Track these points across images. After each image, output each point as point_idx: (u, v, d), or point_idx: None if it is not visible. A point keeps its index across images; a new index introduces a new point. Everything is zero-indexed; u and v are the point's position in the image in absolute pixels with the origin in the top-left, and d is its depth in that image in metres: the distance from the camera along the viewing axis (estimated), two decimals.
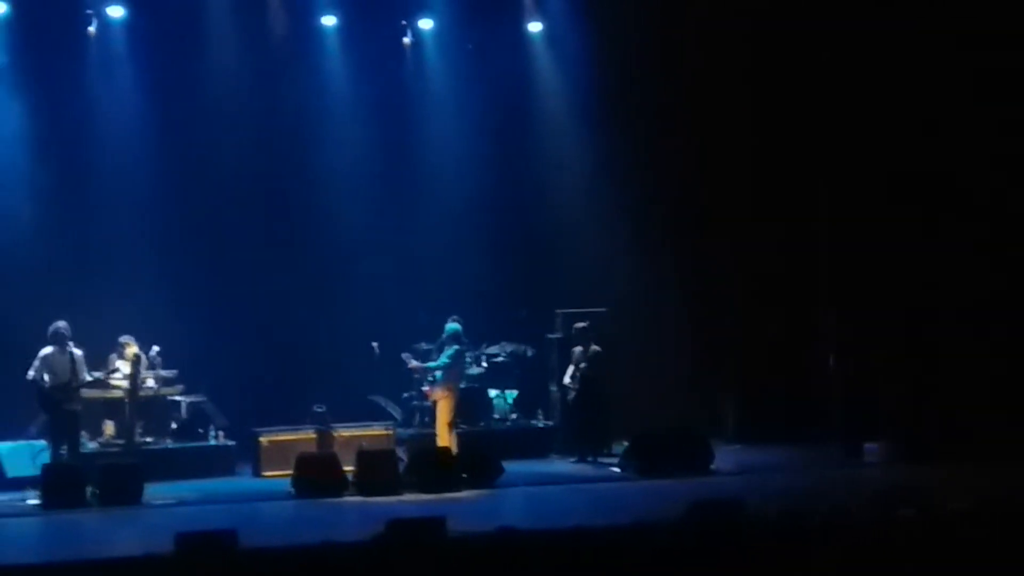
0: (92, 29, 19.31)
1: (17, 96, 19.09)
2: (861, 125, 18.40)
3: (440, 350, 18.00)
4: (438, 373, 17.63)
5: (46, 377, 16.12)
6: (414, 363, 17.88)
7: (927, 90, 18.19)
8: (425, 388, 18.04)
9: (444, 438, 17.46)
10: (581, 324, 18.54)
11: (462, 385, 18.12)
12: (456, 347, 17.66)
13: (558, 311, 19.43)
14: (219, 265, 19.23)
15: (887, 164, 18.25)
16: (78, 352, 16.22)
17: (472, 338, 18.66)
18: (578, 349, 18.48)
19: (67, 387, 16.09)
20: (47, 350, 16.15)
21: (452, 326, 17.80)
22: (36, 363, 16.12)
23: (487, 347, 19.41)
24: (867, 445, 17.73)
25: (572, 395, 18.47)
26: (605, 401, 18.46)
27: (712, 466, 17.16)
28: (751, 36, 19.65)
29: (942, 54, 18.21)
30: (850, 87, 18.49)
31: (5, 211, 18.72)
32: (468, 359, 18.67)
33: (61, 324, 16.22)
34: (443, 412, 17.60)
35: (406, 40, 20.55)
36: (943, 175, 18.13)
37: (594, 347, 18.35)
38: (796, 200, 19.55)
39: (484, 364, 19.33)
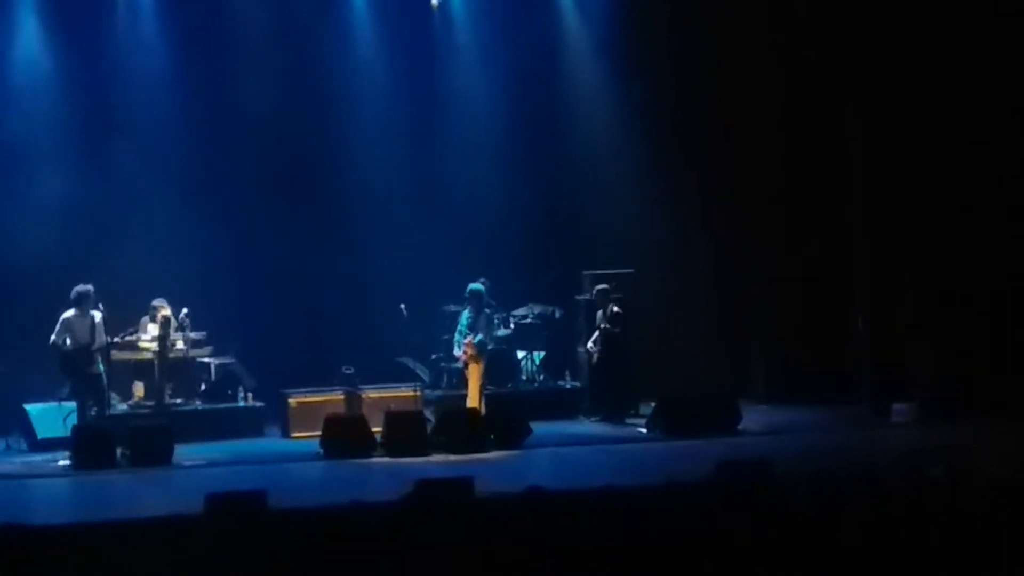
0: None
1: (45, 60, 19.12)
2: (899, 81, 18.20)
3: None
4: (475, 336, 17.60)
5: (67, 341, 16.18)
6: (469, 339, 17.72)
7: (970, 51, 17.96)
8: (457, 352, 17.95)
9: (475, 399, 17.45)
10: (602, 286, 18.51)
11: (490, 347, 18.13)
12: (469, 309, 17.59)
13: (585, 272, 19.39)
14: (248, 227, 19.25)
15: (924, 124, 18.06)
16: (98, 316, 16.26)
17: (500, 299, 18.66)
18: (601, 312, 18.48)
19: (86, 350, 16.15)
20: (68, 314, 16.21)
21: (473, 286, 17.73)
22: (57, 328, 16.20)
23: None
24: (895, 405, 17.68)
25: (595, 357, 18.46)
26: (628, 362, 18.43)
27: (740, 426, 17.14)
28: None
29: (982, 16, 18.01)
30: (889, 42, 18.25)
31: (35, 176, 18.77)
32: (496, 320, 18.67)
33: (84, 287, 16.25)
34: (476, 374, 17.57)
35: (434, 2, 20.46)
36: (979, 139, 17.96)
37: (614, 308, 18.32)
38: (828, 157, 19.40)
39: (512, 325, 19.33)
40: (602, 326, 18.30)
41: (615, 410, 18.32)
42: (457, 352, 17.85)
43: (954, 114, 17.98)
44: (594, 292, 18.55)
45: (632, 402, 18.54)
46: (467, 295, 17.75)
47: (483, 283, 18.07)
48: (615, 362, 18.36)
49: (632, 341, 18.49)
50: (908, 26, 18.15)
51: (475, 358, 17.54)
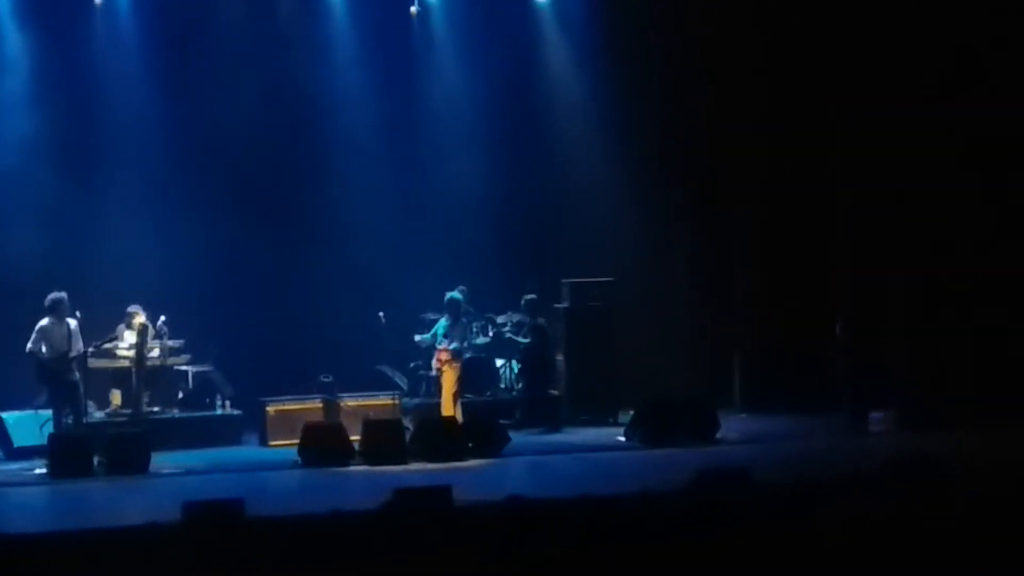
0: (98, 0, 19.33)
1: (22, 68, 19.09)
2: (882, 85, 18.25)
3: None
4: (449, 343, 17.57)
5: (43, 349, 16.14)
6: (443, 346, 17.71)
7: (953, 51, 18.02)
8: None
9: (449, 408, 17.43)
10: (529, 296, 18.52)
11: (467, 355, 18.13)
12: (446, 317, 17.59)
13: (565, 280, 19.41)
14: (226, 234, 19.19)
15: (904, 129, 18.12)
16: (73, 323, 16.21)
17: (479, 307, 18.66)
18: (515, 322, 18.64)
19: (64, 358, 16.10)
20: (44, 322, 16.17)
21: (451, 295, 17.73)
22: (34, 335, 16.15)
23: (495, 316, 19.44)
24: (873, 414, 17.71)
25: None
26: (545, 374, 18.57)
27: (718, 435, 17.15)
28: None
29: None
30: (873, 42, 18.30)
31: (11, 182, 18.72)
32: (475, 329, 18.66)
33: (57, 295, 16.21)
34: (448, 382, 17.57)
35: (413, 9, 20.49)
36: (960, 144, 18.02)
37: (540, 320, 18.37)
38: (807, 166, 19.45)
39: (491, 333, 19.32)
40: (514, 336, 18.33)
41: (530, 420, 18.28)
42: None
43: (935, 118, 18.03)
44: (522, 301, 18.57)
45: (551, 414, 18.49)
46: (445, 303, 17.75)
47: (461, 291, 18.08)
48: (529, 374, 18.47)
49: (552, 354, 18.63)
50: (891, 22, 18.18)
51: (449, 365, 17.53)
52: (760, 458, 14.79)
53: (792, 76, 19.39)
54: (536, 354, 18.58)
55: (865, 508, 10.02)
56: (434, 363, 17.79)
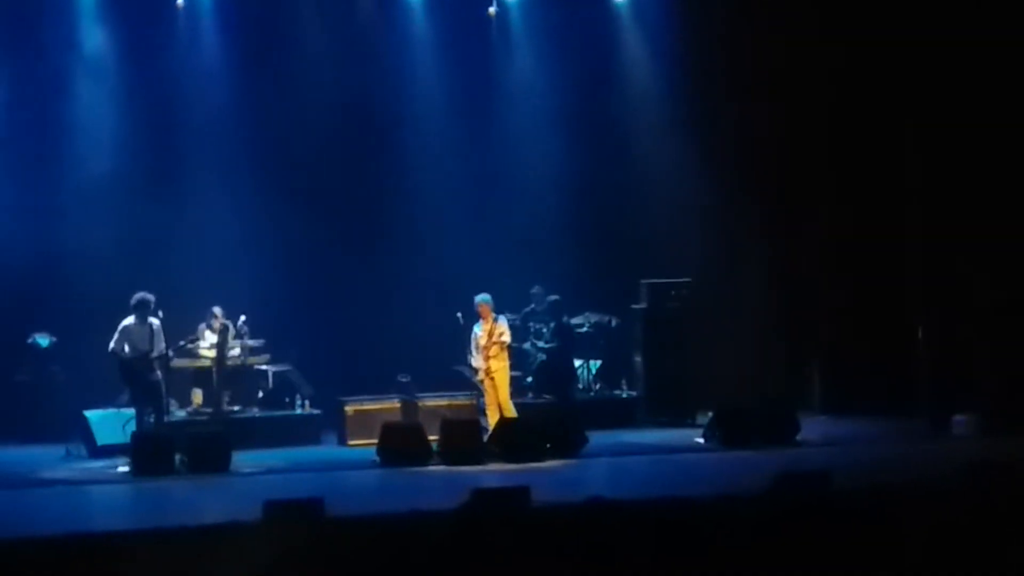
0: (180, 1, 19.50)
1: (107, 68, 19.33)
2: (960, 83, 18.06)
3: (526, 319, 18.19)
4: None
5: (126, 348, 16.28)
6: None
7: None
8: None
9: (508, 409, 17.23)
10: (554, 297, 18.41)
11: (542, 357, 18.19)
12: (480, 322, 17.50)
13: (643, 281, 19.36)
14: (306, 236, 19.34)
15: (983, 130, 17.92)
16: (156, 323, 16.35)
17: (556, 307, 18.66)
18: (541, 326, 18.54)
19: (145, 358, 16.25)
20: (127, 321, 16.30)
21: (479, 297, 17.52)
22: (116, 335, 16.28)
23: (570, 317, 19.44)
24: (955, 418, 17.51)
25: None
26: (567, 378, 18.48)
27: (798, 438, 17.03)
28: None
29: None
30: (947, 43, 18.11)
31: (96, 184, 18.95)
32: (543, 330, 18.61)
33: (144, 295, 16.35)
34: (503, 383, 17.37)
35: (491, 10, 20.52)
36: None
37: (565, 319, 18.36)
38: (885, 167, 19.30)
39: (549, 342, 19.25)
40: (540, 344, 18.36)
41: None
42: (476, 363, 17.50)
43: (1013, 118, 17.83)
44: (545, 303, 18.48)
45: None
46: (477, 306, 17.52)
47: (534, 292, 18.14)
48: (551, 377, 18.38)
49: (571, 357, 18.52)
50: (968, 27, 18.01)
51: (500, 364, 17.44)
52: (840, 462, 14.67)
53: (870, 78, 19.21)
54: (558, 357, 18.45)
55: (944, 514, 9.91)
56: (482, 366, 17.31)
